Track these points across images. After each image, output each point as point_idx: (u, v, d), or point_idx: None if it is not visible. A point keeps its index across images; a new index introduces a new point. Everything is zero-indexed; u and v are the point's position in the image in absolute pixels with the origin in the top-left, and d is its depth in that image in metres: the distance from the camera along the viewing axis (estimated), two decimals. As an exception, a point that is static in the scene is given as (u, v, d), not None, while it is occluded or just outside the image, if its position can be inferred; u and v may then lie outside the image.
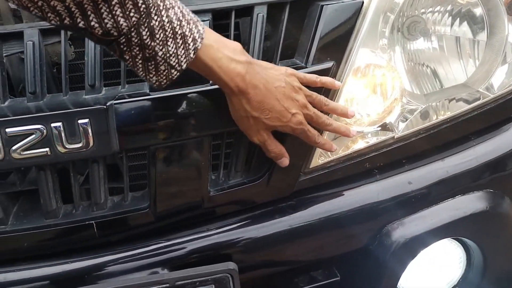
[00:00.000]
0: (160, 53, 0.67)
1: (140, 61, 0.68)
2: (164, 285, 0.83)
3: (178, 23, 0.68)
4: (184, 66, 0.71)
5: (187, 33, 0.70)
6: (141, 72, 0.69)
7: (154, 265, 0.87)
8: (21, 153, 0.78)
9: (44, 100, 0.81)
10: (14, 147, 0.77)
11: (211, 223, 0.92)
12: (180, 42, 0.69)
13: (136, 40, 0.65)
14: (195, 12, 0.82)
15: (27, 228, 0.85)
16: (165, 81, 0.71)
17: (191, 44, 0.70)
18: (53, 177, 0.84)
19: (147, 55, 0.67)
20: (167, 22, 0.67)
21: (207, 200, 0.90)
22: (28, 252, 0.87)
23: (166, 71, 0.70)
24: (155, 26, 0.65)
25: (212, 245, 0.90)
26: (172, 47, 0.68)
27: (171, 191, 0.88)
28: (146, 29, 0.65)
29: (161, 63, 0.69)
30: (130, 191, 0.91)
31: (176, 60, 0.70)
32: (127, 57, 0.67)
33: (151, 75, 0.70)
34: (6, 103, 0.81)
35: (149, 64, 0.68)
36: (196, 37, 0.71)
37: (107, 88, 0.83)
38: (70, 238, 0.87)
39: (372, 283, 1.03)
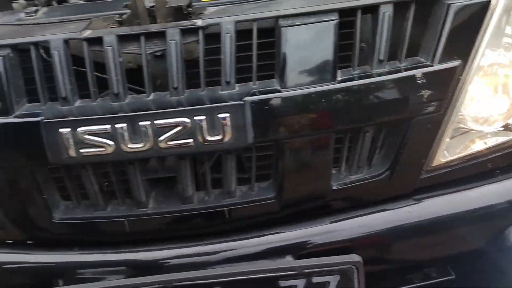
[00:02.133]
0: None
1: None
2: (292, 272, 0.85)
3: None
4: None
5: None
6: None
7: (278, 253, 0.91)
8: (167, 143, 0.83)
9: (184, 95, 0.86)
10: (161, 138, 0.83)
11: (333, 216, 0.93)
12: None
13: None
14: (321, 12, 0.84)
15: (165, 211, 0.91)
16: None
17: None
18: (191, 166, 0.89)
19: None
20: None
21: (329, 194, 0.91)
22: (165, 234, 0.93)
23: None
24: None
25: (333, 237, 0.92)
26: None
27: (296, 183, 0.90)
28: None
29: None
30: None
31: None
32: None
33: None
34: (151, 97, 0.87)
35: None
36: None
37: (239, 84, 0.87)
38: (203, 222, 0.92)
39: (489, 285, 0.99)
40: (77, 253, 0.93)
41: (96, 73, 0.87)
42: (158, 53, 0.92)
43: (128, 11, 0.94)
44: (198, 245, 0.91)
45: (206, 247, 0.91)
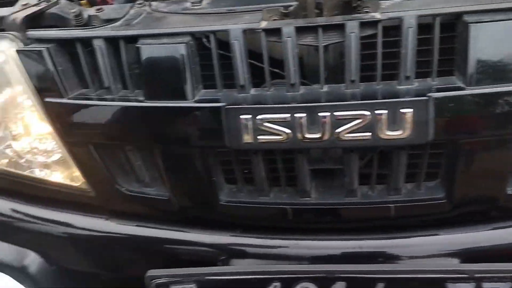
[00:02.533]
0: None
1: None
2: (461, 275, 0.83)
3: None
4: None
5: None
6: None
7: (444, 254, 0.88)
8: (345, 135, 0.83)
9: (360, 88, 0.86)
10: (339, 129, 0.83)
11: (505, 221, 0.89)
12: None
13: None
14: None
15: (328, 202, 0.92)
16: None
17: None
18: (359, 159, 0.89)
19: None
20: None
21: (504, 198, 0.87)
22: (323, 224, 0.94)
23: None
24: None
25: (504, 242, 0.88)
26: None
27: (470, 185, 0.86)
28: None
29: None
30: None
31: None
32: None
33: None
34: (325, 89, 0.87)
35: None
36: None
37: (418, 80, 0.85)
38: (364, 217, 0.92)
39: None
40: (239, 235, 0.96)
41: (251, 61, 0.88)
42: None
43: (295, 3, 0.95)
44: (359, 239, 0.91)
45: (368, 242, 0.91)
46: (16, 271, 1.06)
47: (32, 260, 1.05)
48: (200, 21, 0.96)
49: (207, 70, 0.91)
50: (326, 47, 0.90)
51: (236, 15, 0.96)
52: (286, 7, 0.96)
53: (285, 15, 0.97)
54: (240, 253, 0.95)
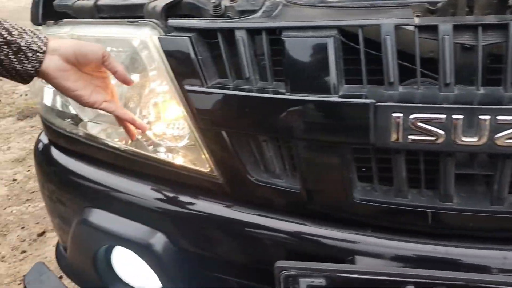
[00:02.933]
0: None
1: None
2: None
3: None
4: None
5: None
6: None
7: None
8: (504, 141, 0.79)
9: (520, 92, 0.81)
10: (499, 134, 0.78)
11: None
12: None
13: None
14: None
15: (472, 209, 0.87)
16: None
17: None
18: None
19: None
20: None
21: None
22: (465, 232, 0.91)
23: None
24: None
25: None
26: None
27: None
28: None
29: None
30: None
31: None
32: None
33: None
34: (481, 91, 0.83)
35: None
36: None
37: None
38: (511, 227, 0.88)
39: None
40: (370, 235, 0.94)
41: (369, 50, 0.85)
42: (467, 46, 0.89)
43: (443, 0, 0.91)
44: (503, 250, 0.87)
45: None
46: (142, 248, 1.10)
47: (158, 239, 1.09)
48: (342, 15, 0.94)
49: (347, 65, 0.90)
50: (473, 47, 0.86)
51: (380, 10, 0.94)
52: (432, 4, 0.93)
53: (430, 12, 0.94)
54: (370, 253, 0.93)
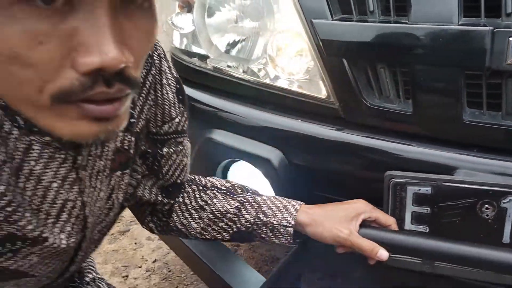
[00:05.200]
0: None
1: None
2: None
3: None
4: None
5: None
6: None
7: None
8: None
9: None
10: None
11: None
12: None
13: None
14: None
15: None
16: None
17: None
18: None
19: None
20: None
21: None
22: None
23: None
24: None
25: None
26: None
27: None
28: None
29: None
30: None
31: None
32: None
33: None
34: None
35: None
36: None
37: None
38: None
39: None
40: (475, 154, 1.05)
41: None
42: None
43: None
44: None
45: None
46: (263, 161, 1.27)
47: (275, 155, 1.25)
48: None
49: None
50: None
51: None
52: None
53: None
54: (474, 169, 1.03)
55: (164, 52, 0.91)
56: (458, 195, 1.01)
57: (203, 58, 1.49)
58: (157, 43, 0.89)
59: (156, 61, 0.88)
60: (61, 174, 0.72)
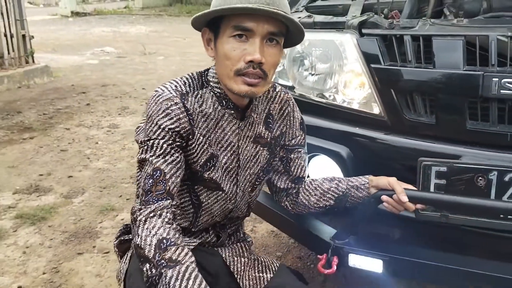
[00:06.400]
0: None
1: None
2: None
3: None
4: None
5: None
6: None
7: None
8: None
9: None
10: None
11: None
12: None
13: None
14: None
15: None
16: None
17: None
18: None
19: None
20: None
21: None
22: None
23: None
24: None
25: None
26: None
27: None
28: None
29: None
30: None
31: None
32: None
33: None
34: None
35: None
36: None
37: None
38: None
39: None
40: (473, 148, 1.69)
41: None
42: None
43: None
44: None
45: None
46: (336, 155, 1.94)
47: (344, 151, 1.92)
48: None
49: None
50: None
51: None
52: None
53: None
54: (473, 157, 1.68)
55: (293, 100, 1.69)
56: (463, 172, 1.65)
57: (290, 88, 2.20)
58: (289, 93, 1.68)
59: (291, 104, 1.67)
60: (232, 129, 1.50)
